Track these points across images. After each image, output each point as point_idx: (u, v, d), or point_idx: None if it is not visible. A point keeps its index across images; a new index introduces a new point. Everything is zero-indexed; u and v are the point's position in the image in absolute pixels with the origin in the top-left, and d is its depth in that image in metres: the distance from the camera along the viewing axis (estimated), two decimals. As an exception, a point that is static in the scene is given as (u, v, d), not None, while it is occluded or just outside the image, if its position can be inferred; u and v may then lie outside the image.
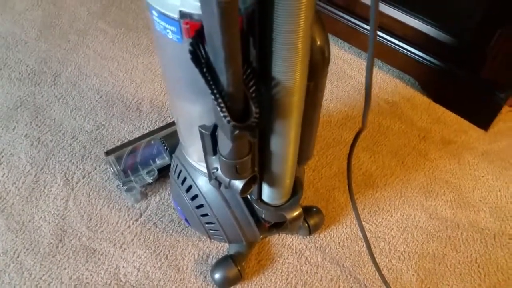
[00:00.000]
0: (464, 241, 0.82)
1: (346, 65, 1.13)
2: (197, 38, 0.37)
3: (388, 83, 1.09)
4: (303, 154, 0.58)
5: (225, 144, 0.46)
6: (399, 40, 1.04)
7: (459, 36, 0.95)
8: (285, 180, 0.56)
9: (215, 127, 0.49)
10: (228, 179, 0.52)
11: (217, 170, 0.53)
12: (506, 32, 0.86)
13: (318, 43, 0.44)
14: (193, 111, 0.52)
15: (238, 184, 0.52)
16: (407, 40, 1.04)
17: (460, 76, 0.99)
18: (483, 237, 0.83)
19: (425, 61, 1.02)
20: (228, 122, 0.39)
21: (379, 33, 1.07)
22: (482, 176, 0.92)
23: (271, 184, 0.57)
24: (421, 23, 0.99)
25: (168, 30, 0.40)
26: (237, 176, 0.50)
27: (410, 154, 0.95)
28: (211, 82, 0.38)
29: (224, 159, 0.48)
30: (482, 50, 0.92)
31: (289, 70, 0.39)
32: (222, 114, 0.39)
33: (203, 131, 0.49)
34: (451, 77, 1.01)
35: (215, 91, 0.38)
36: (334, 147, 0.96)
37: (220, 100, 0.38)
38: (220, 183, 0.56)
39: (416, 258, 0.80)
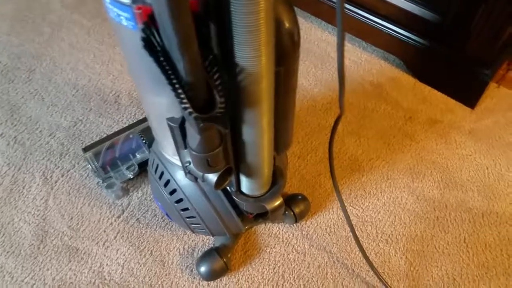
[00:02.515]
0: (452, 222, 0.81)
1: (330, 47, 1.10)
2: (150, 23, 0.34)
3: (373, 64, 1.07)
4: (281, 142, 0.56)
5: (193, 136, 0.44)
6: (382, 20, 1.02)
7: (443, 14, 0.92)
8: (263, 170, 0.54)
9: (183, 119, 0.46)
10: (201, 173, 0.50)
11: (190, 163, 0.51)
12: (489, 7, 0.84)
13: (286, 25, 0.42)
14: (160, 103, 0.50)
15: (212, 177, 0.50)
16: (391, 19, 1.01)
17: (445, 54, 0.97)
18: (472, 217, 0.82)
19: (410, 40, 1.00)
20: (190, 114, 0.37)
21: (362, 13, 1.04)
22: (470, 155, 0.91)
23: (249, 175, 0.55)
24: (404, 1, 0.96)
25: (121, 17, 0.37)
26: (210, 169, 0.48)
27: (396, 136, 0.93)
28: (169, 72, 0.35)
29: (194, 153, 0.46)
30: (467, 27, 0.89)
31: (252, 55, 0.37)
32: (182, 106, 0.36)
33: (171, 124, 0.47)
34: (436, 55, 0.99)
35: (173, 81, 0.35)
36: (319, 133, 0.94)
37: (179, 90, 0.36)
38: (196, 177, 0.54)
39: (404, 241, 0.79)
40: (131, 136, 0.85)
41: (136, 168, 0.83)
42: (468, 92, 0.99)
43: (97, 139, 0.90)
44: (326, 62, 1.07)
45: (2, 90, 1.00)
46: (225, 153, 0.48)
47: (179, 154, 0.52)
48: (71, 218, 0.82)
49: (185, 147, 0.49)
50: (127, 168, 0.83)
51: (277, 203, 0.59)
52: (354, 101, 0.99)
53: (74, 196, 0.84)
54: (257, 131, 0.47)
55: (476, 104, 0.99)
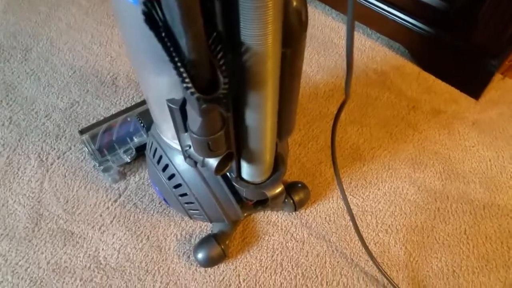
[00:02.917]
0: (453, 213, 0.80)
1: (333, 33, 1.08)
2: (152, -3, 0.32)
3: (377, 52, 1.05)
4: (284, 128, 0.54)
5: (194, 119, 0.42)
6: (388, 6, 0.99)
7: (450, 1, 0.90)
8: (265, 156, 0.53)
9: (184, 100, 0.44)
10: (201, 157, 0.48)
11: (190, 147, 0.49)
12: (499, -5, 0.82)
13: (294, 3, 0.40)
14: (160, 84, 0.48)
15: (213, 162, 0.48)
16: (397, 6, 0.99)
17: (451, 43, 0.95)
18: (473, 208, 0.81)
19: (416, 28, 0.97)
20: (192, 94, 0.35)
21: (367, -1, 1.01)
22: (473, 146, 0.90)
23: (250, 161, 0.53)
24: (410, -13, 0.94)
25: (121, -9, 0.35)
26: (210, 153, 0.46)
27: (399, 125, 0.92)
28: (170, 49, 0.33)
29: (195, 136, 0.44)
30: (474, 16, 0.87)
31: (259, 33, 0.35)
32: (184, 85, 0.35)
33: (172, 106, 0.45)
34: (442, 44, 0.97)
35: (175, 59, 0.34)
36: (320, 120, 0.92)
37: (181, 69, 0.34)
38: (195, 162, 0.53)
39: (404, 231, 0.78)
40: (128, 119, 0.83)
41: (134, 152, 0.81)
42: (473, 83, 0.97)
43: (94, 121, 0.88)
44: (329, 48, 1.05)
45: (-3, 69, 0.98)
46: (226, 137, 0.46)
47: (178, 138, 0.51)
48: (67, 201, 0.80)
49: (185, 130, 0.48)
50: (124, 152, 0.81)
51: (277, 190, 0.57)
52: (357, 89, 0.97)
53: (70, 179, 0.83)
54: (261, 115, 0.45)
55: (481, 95, 0.97)
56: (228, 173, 0.61)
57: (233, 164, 0.55)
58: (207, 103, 0.37)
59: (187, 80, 0.35)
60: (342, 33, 1.08)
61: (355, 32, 1.09)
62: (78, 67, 0.98)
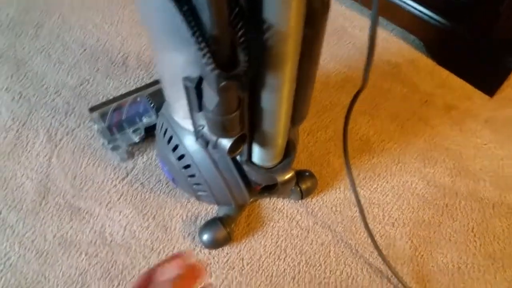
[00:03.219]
0: (461, 210, 0.80)
1: (347, 22, 1.06)
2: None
3: (392, 43, 1.03)
4: (298, 113, 0.53)
5: (211, 97, 0.42)
6: (406, -3, 0.98)
7: (470, -6, 0.88)
8: (277, 140, 0.52)
9: (200, 79, 0.44)
10: (215, 138, 0.48)
11: (203, 127, 0.49)
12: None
13: (318, -16, 0.39)
14: (176, 61, 0.47)
15: (226, 142, 0.48)
16: (415, -3, 0.97)
17: (469, 37, 0.93)
18: (482, 207, 0.80)
19: (432, 20, 0.96)
20: (212, 70, 0.34)
21: (384, -11, 1.00)
22: (485, 144, 0.89)
23: (262, 144, 0.53)
24: (429, -22, 0.92)
25: (144, -39, 0.35)
26: (225, 134, 0.46)
27: (411, 119, 0.91)
28: (192, 23, 0.33)
29: (210, 115, 0.44)
30: (496, 9, 0.85)
31: (282, 11, 0.34)
32: (205, 61, 0.34)
33: (187, 84, 0.44)
34: (459, 38, 0.95)
35: (197, 33, 0.33)
36: (330, 110, 0.91)
37: (202, 44, 0.34)
38: (207, 142, 0.52)
39: (411, 225, 0.77)
40: (138, 99, 0.83)
41: (142, 132, 0.81)
42: (488, 80, 0.96)
43: (103, 100, 0.88)
44: (343, 37, 1.04)
45: (9, 44, 0.97)
46: (241, 118, 0.46)
47: (192, 117, 0.50)
48: (75, 177, 0.80)
49: (199, 110, 0.47)
50: (133, 132, 0.81)
51: (288, 176, 0.57)
52: (370, 80, 0.95)
53: (78, 155, 0.83)
54: (277, 98, 0.44)
55: (496, 92, 0.96)
56: (238, 156, 0.60)
57: (245, 147, 0.55)
58: (226, 80, 0.36)
59: (207, 56, 0.34)
60: (356, 22, 1.06)
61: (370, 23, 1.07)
62: (89, 45, 0.98)
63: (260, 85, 0.43)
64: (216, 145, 0.49)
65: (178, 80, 0.49)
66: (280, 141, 0.53)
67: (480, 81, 0.97)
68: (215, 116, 0.43)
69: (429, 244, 0.76)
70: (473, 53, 0.95)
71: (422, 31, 1.00)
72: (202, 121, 0.49)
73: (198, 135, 0.52)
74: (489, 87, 0.96)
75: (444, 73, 0.99)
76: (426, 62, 1.01)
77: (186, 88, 0.45)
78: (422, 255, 0.74)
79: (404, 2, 0.98)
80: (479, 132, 0.90)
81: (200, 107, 0.47)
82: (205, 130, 0.49)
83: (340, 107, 0.91)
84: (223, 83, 0.37)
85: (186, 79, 0.44)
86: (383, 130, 0.89)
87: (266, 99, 0.45)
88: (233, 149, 0.48)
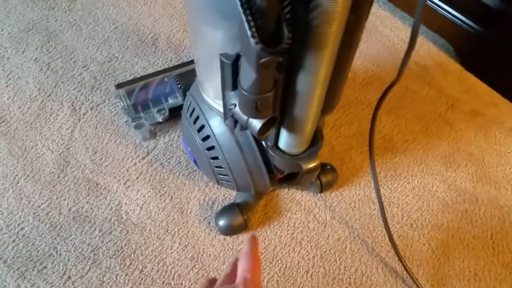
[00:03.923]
0: (481, 216, 0.79)
1: (378, 21, 1.05)
2: None
3: (421, 45, 1.02)
4: (329, 102, 0.53)
5: (248, 75, 0.41)
6: (441, 0, 0.96)
7: (507, 0, 0.87)
8: (306, 127, 0.52)
9: (237, 56, 0.44)
10: (246, 117, 0.48)
11: (235, 106, 0.48)
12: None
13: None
14: (215, 38, 0.47)
15: (256, 123, 0.47)
16: (448, 0, 0.96)
17: (499, 44, 0.91)
18: (502, 214, 0.79)
19: (464, 25, 0.94)
20: (257, 43, 0.34)
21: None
22: (508, 153, 0.87)
23: (291, 129, 0.52)
24: (467, -18, 0.91)
25: None
26: (257, 114, 0.45)
27: (436, 121, 0.90)
28: (241, -7, 0.32)
29: (245, 93, 0.43)
30: (531, 17, 0.84)
31: (333, -11, 0.34)
32: (250, 33, 0.34)
33: (224, 60, 0.44)
34: (489, 45, 0.93)
35: (245, 5, 0.33)
36: (356, 107, 0.90)
37: (249, 17, 0.33)
38: (235, 123, 0.52)
39: (429, 228, 0.76)
40: (166, 79, 0.83)
41: (167, 113, 0.81)
42: (517, 89, 0.94)
43: (130, 78, 0.88)
44: (373, 35, 1.03)
45: (41, 16, 0.98)
46: (274, 99, 0.45)
47: (223, 96, 0.50)
48: (95, 152, 0.81)
49: (233, 88, 0.47)
50: (158, 111, 0.81)
51: (313, 164, 0.56)
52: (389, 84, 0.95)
53: (100, 131, 0.83)
54: (313, 81, 0.44)
55: (523, 102, 0.94)
56: (263, 141, 0.60)
57: (272, 131, 0.54)
58: (268, 56, 0.36)
59: (253, 29, 0.34)
60: (387, 22, 1.05)
61: (402, 23, 1.06)
62: (121, 23, 0.98)
63: (297, 67, 0.43)
64: (246, 126, 0.48)
65: (214, 58, 0.49)
66: (309, 128, 0.52)
67: (507, 90, 0.95)
68: (250, 94, 0.43)
69: (447, 248, 0.75)
70: (503, 61, 0.93)
71: (453, 35, 0.99)
72: (234, 100, 0.48)
73: (227, 115, 0.51)
74: (518, 96, 0.94)
75: (472, 79, 0.98)
76: (455, 67, 0.99)
77: (222, 65, 0.45)
78: (439, 258, 0.73)
79: (437, 6, 0.96)
80: (503, 140, 0.89)
81: (234, 86, 0.46)
82: (236, 109, 0.48)
83: (366, 104, 0.90)
84: (263, 59, 0.36)
85: (224, 55, 0.44)
86: (407, 130, 0.88)
87: (302, 81, 0.44)
88: (263, 130, 0.48)
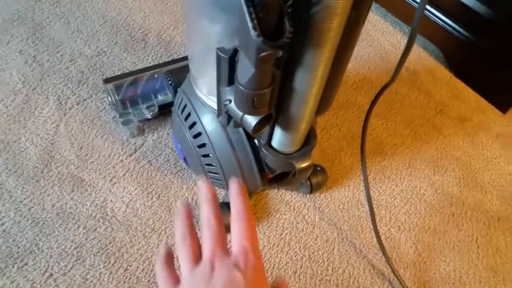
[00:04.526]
0: (467, 220, 0.79)
1: (370, 25, 1.06)
2: None
3: (412, 51, 1.01)
4: (324, 101, 0.53)
5: (246, 69, 0.41)
6: (432, 7, 0.97)
7: (496, 8, 0.88)
8: (301, 125, 0.51)
9: (235, 50, 0.43)
10: (241, 114, 0.47)
11: (230, 102, 0.48)
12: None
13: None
14: (211, 32, 0.46)
15: (252, 120, 0.47)
16: (440, 7, 0.97)
17: (488, 52, 0.93)
18: (487, 219, 0.80)
19: (455, 32, 0.96)
20: (258, 36, 0.33)
21: (409, -4, 1.00)
22: (494, 158, 0.88)
23: (286, 127, 0.52)
24: (459, -10, 0.92)
25: None
26: (253, 110, 0.45)
27: (424, 126, 0.91)
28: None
29: (242, 88, 0.43)
30: (519, 26, 0.86)
31: (336, -16, 0.33)
32: (251, 25, 0.33)
33: (221, 55, 0.43)
34: (478, 52, 0.95)
35: (248, -4, 0.32)
36: (346, 109, 0.90)
37: (251, 8, 0.33)
38: (229, 120, 0.51)
39: (417, 231, 0.77)
40: (156, 75, 0.82)
41: (156, 109, 0.80)
42: (503, 96, 0.96)
43: (119, 73, 0.86)
44: (364, 39, 1.03)
45: (28, 6, 0.95)
46: (271, 96, 0.45)
47: (218, 92, 0.49)
48: (81, 148, 0.79)
49: (229, 84, 0.46)
50: (147, 108, 0.80)
51: (306, 163, 0.56)
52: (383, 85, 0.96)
53: (87, 126, 0.81)
54: (311, 78, 0.43)
55: (508, 109, 0.96)
56: (256, 140, 0.59)
57: (266, 130, 0.54)
58: (269, 49, 0.35)
59: (255, 21, 0.33)
60: (379, 26, 1.06)
61: (393, 28, 1.07)
62: (110, 18, 0.96)
63: (296, 63, 0.42)
64: (241, 122, 0.48)
65: (210, 52, 0.48)
66: (303, 127, 0.52)
67: (494, 96, 0.97)
68: (247, 90, 0.42)
69: (433, 251, 0.75)
70: (491, 68, 0.95)
71: (443, 42, 1.00)
72: (229, 96, 0.47)
73: (221, 111, 0.51)
74: (503, 103, 0.96)
75: (461, 85, 0.99)
76: (444, 73, 1.01)
77: (219, 59, 0.44)
78: (425, 261, 0.74)
79: (429, 12, 0.98)
80: (489, 146, 0.90)
81: (231, 81, 0.46)
82: (232, 105, 0.48)
83: (357, 107, 0.90)
84: (264, 53, 0.36)
85: (220, 49, 0.44)
86: (397, 133, 0.88)
87: (300, 79, 0.44)
88: (258, 127, 0.47)
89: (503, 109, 0.97)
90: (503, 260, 0.76)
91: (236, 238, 0.37)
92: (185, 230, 0.39)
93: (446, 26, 0.96)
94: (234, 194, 0.40)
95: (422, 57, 1.02)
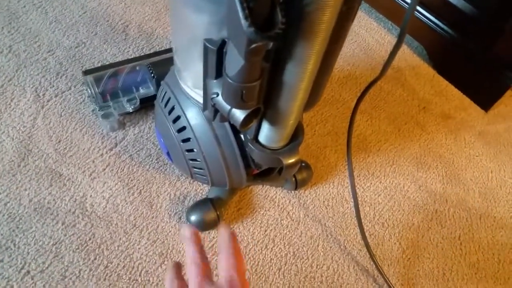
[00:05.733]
0: (450, 217, 0.80)
1: (354, 21, 1.05)
2: None
3: (395, 47, 1.03)
4: (312, 96, 0.52)
5: (235, 61, 0.39)
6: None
7: (481, 8, 0.89)
8: (290, 120, 0.50)
9: (223, 42, 0.41)
10: (229, 107, 0.46)
11: (217, 96, 0.46)
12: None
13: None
14: (197, 22, 0.45)
15: (240, 114, 0.46)
16: (424, 4, 0.97)
17: (471, 50, 0.94)
18: (469, 216, 0.81)
19: (438, 29, 0.96)
20: (249, 26, 0.32)
21: (394, -8, 1.00)
22: (476, 156, 0.89)
23: (273, 122, 0.51)
24: (443, -13, 0.93)
25: None
26: (241, 104, 0.43)
27: (408, 123, 0.91)
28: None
29: (230, 81, 0.41)
30: (501, 26, 0.86)
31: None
32: (242, 15, 0.32)
33: (209, 46, 0.42)
34: (462, 50, 0.96)
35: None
36: (331, 105, 0.90)
37: (243, -3, 0.31)
38: (215, 114, 0.50)
39: (400, 228, 0.77)
40: (137, 68, 0.79)
41: (138, 103, 0.77)
42: (485, 94, 0.97)
43: (99, 65, 0.84)
44: (349, 35, 1.03)
45: (2, -7, 0.91)
46: (259, 90, 0.44)
47: (205, 85, 0.47)
48: (59, 142, 0.76)
49: (216, 76, 0.45)
50: (128, 101, 0.77)
51: (294, 159, 0.55)
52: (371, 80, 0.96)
53: (65, 119, 0.78)
54: (301, 71, 0.42)
55: (490, 107, 0.97)
56: (243, 135, 0.58)
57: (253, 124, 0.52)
58: (260, 40, 0.34)
59: (246, 11, 0.32)
60: (362, 22, 1.06)
61: (377, 25, 1.07)
62: (90, 8, 0.93)
63: (286, 56, 0.41)
64: (228, 116, 0.46)
65: (196, 44, 0.46)
66: (291, 122, 0.51)
67: (477, 95, 0.98)
68: (236, 82, 0.41)
69: (417, 248, 0.75)
70: (474, 66, 0.96)
71: (426, 39, 1.01)
72: (216, 89, 0.46)
73: (208, 105, 0.49)
74: (485, 101, 0.97)
75: (444, 82, 1.00)
76: (427, 70, 1.01)
77: (206, 51, 0.43)
78: (409, 258, 0.74)
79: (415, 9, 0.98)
80: (472, 144, 0.91)
81: (218, 73, 0.44)
82: (219, 99, 0.46)
83: (341, 103, 0.90)
84: (254, 45, 0.35)
85: (208, 41, 0.42)
86: (380, 130, 0.88)
87: (290, 72, 0.43)
88: (246, 122, 0.46)
89: (485, 107, 0.98)
90: (485, 257, 0.77)
91: (224, 268, 0.39)
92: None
93: (430, 23, 0.97)
94: (224, 233, 0.43)
95: (406, 54, 1.03)
